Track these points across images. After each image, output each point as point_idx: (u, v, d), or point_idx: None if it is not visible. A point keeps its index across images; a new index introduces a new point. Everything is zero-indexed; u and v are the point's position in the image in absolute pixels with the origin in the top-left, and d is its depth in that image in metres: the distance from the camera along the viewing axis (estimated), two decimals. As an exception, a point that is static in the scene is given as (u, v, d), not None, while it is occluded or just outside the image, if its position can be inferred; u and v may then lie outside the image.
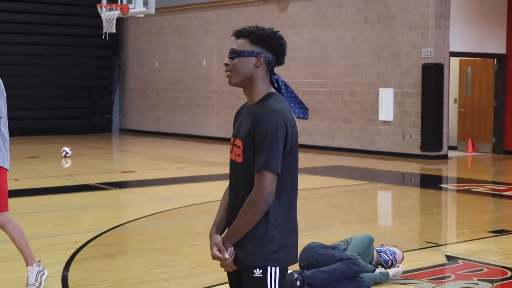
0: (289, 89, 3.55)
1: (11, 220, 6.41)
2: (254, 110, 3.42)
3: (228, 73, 3.48)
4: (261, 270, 3.38)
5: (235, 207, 3.44)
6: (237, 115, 3.63)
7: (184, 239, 8.73)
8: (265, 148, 3.30)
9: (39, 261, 6.42)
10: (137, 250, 8.29)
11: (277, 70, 3.52)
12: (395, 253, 6.81)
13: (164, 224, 9.77)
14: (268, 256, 3.36)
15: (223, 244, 3.42)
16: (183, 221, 10.06)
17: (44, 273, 6.38)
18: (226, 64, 3.47)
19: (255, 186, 3.32)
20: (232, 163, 3.50)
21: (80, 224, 9.57)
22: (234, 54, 3.46)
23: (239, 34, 3.49)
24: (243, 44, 3.45)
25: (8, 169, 6.38)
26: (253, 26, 3.51)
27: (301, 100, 3.56)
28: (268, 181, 3.30)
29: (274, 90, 3.49)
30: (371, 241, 6.76)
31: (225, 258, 3.42)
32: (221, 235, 3.50)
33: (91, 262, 7.42)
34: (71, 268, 7.14)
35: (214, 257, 3.45)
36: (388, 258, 6.77)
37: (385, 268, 6.72)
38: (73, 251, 7.80)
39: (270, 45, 3.45)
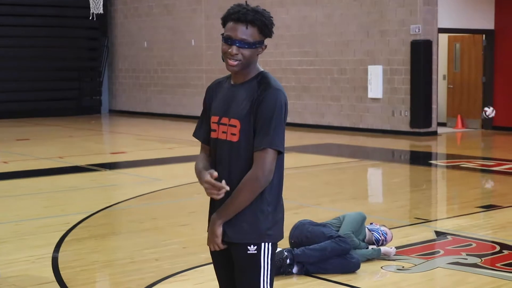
0: None
1: None
2: (250, 89, 3.39)
3: (235, 62, 3.37)
4: (255, 247, 3.40)
5: (229, 184, 3.38)
6: (211, 91, 3.57)
7: (174, 219, 8.74)
8: (272, 126, 3.31)
9: None
10: (128, 230, 8.31)
11: (267, 47, 3.50)
12: (386, 234, 6.85)
13: (155, 205, 9.79)
14: (264, 232, 3.39)
15: (215, 222, 3.41)
16: (174, 201, 10.08)
17: None
18: (234, 54, 3.36)
19: (257, 163, 3.32)
20: (223, 142, 3.44)
21: (70, 206, 9.57)
22: (246, 45, 3.36)
23: (250, 22, 3.35)
24: (253, 34, 3.36)
25: None
26: (255, 11, 3.36)
27: None
28: (271, 159, 3.32)
29: (262, 69, 3.48)
30: (363, 219, 6.80)
31: (220, 185, 3.32)
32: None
33: (82, 244, 7.42)
34: (61, 249, 7.14)
35: (207, 182, 3.34)
36: (380, 238, 6.81)
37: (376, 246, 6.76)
38: (63, 232, 7.81)
39: (270, 32, 3.42)
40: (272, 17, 3.44)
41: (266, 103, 3.32)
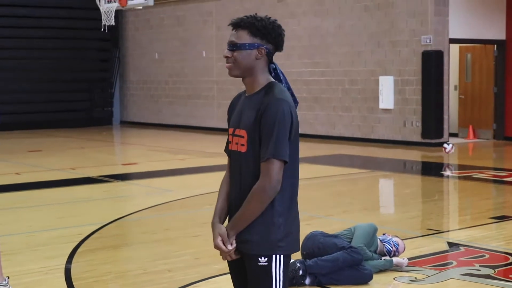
0: (286, 79, 3.56)
1: None
2: (256, 99, 3.42)
3: (229, 65, 3.47)
4: (266, 258, 3.40)
5: (240, 196, 3.43)
6: (232, 105, 3.63)
7: (186, 230, 8.75)
8: (273, 137, 3.31)
9: (8, 277, 6.00)
10: (140, 241, 8.32)
11: (277, 59, 3.52)
12: (398, 244, 6.83)
13: (167, 215, 9.80)
14: (275, 244, 3.38)
15: (228, 233, 3.44)
16: (186, 212, 10.08)
17: None
18: (227, 57, 3.47)
19: (263, 174, 3.33)
20: (234, 153, 3.49)
21: (82, 217, 9.59)
22: (234, 47, 3.45)
23: (237, 25, 3.46)
24: (242, 36, 3.44)
25: None
26: (250, 16, 3.48)
27: (292, 91, 3.55)
28: (276, 169, 3.32)
29: (273, 80, 3.50)
30: (375, 230, 6.78)
31: (228, 250, 3.43)
32: (223, 224, 3.52)
33: (94, 254, 7.44)
34: (74, 260, 7.16)
35: (216, 247, 3.46)
36: (391, 249, 6.79)
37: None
38: (76, 243, 7.83)
39: (271, 36, 3.44)
40: (277, 25, 3.46)
41: (268, 114, 3.34)
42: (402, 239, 7.09)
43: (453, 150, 13.32)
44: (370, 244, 6.66)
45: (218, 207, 3.58)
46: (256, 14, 3.51)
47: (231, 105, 3.64)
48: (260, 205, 3.35)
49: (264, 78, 3.47)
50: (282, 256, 3.42)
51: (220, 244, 3.44)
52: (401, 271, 6.59)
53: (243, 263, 3.49)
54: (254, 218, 3.37)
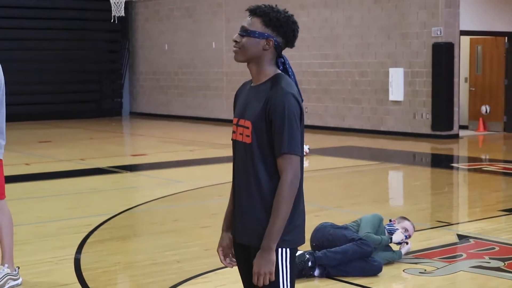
0: (294, 75, 3.53)
1: (4, 209, 5.95)
2: (263, 90, 3.39)
3: (235, 49, 3.46)
4: (272, 252, 3.38)
5: (245, 185, 3.42)
6: (237, 95, 3.61)
7: (196, 221, 8.75)
8: (286, 131, 3.30)
9: (18, 267, 6.04)
10: (149, 232, 8.33)
11: (287, 50, 3.50)
12: (407, 231, 6.71)
13: (176, 207, 9.80)
14: (280, 238, 3.35)
15: (268, 250, 3.31)
16: (195, 203, 10.09)
17: (16, 279, 5.94)
18: (235, 41, 3.45)
19: (285, 170, 3.30)
20: (239, 144, 3.47)
21: (91, 208, 9.61)
22: (245, 32, 3.43)
23: (253, 12, 3.44)
24: (255, 24, 3.42)
25: (2, 158, 5.85)
26: (269, 5, 3.46)
27: (298, 87, 3.52)
28: (296, 162, 3.32)
29: (280, 72, 3.48)
30: (380, 220, 6.74)
31: (225, 263, 3.63)
32: (231, 227, 3.57)
33: (103, 245, 7.45)
34: (83, 251, 7.17)
35: (221, 261, 3.64)
36: (401, 241, 6.70)
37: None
38: (85, 234, 7.84)
39: (282, 30, 3.42)
40: (292, 21, 3.43)
41: (277, 107, 3.31)
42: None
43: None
44: (378, 233, 6.62)
45: (228, 211, 3.62)
46: (276, 5, 3.49)
47: (236, 95, 3.62)
48: (290, 200, 3.32)
49: (270, 69, 3.45)
50: (288, 249, 3.40)
51: (220, 255, 3.60)
52: (410, 263, 6.57)
53: (250, 255, 3.48)
54: (288, 216, 3.32)
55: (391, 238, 6.57)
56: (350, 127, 19.41)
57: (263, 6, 3.45)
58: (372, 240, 6.41)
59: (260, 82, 3.45)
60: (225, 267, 3.71)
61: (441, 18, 17.29)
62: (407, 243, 6.72)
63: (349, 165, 13.56)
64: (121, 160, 14.99)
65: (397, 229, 6.72)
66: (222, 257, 3.62)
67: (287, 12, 3.46)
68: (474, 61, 19.80)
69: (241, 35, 3.44)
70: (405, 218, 6.86)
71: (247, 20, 3.45)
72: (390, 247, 6.66)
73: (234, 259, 3.61)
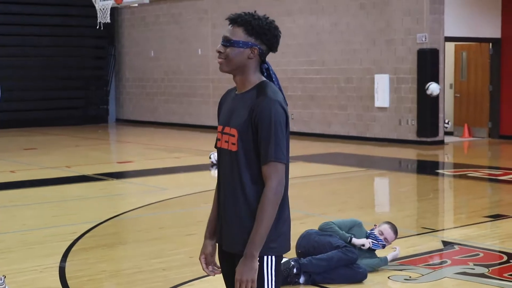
0: (278, 80, 3.54)
1: None
2: (248, 98, 3.40)
3: (220, 60, 3.45)
4: (257, 259, 3.38)
5: (231, 193, 3.42)
6: (222, 102, 3.61)
7: (181, 228, 8.75)
8: (272, 139, 3.31)
9: (4, 276, 5.99)
10: (135, 240, 8.31)
11: (272, 56, 3.50)
12: (384, 240, 6.66)
13: (162, 214, 9.79)
14: (266, 245, 3.35)
15: (251, 258, 3.32)
16: (181, 211, 10.08)
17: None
18: (219, 52, 3.44)
19: (270, 177, 3.31)
20: (224, 151, 3.47)
21: (77, 215, 9.58)
22: (228, 43, 3.42)
23: (233, 21, 3.43)
24: (237, 33, 3.41)
25: None
26: (249, 13, 3.45)
27: (283, 93, 3.53)
28: (281, 170, 3.33)
29: (264, 79, 3.49)
30: (354, 222, 6.72)
31: (208, 271, 3.61)
32: (214, 234, 3.58)
33: (89, 253, 7.43)
34: (68, 259, 7.15)
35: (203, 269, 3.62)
36: (378, 245, 6.67)
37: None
38: (70, 242, 7.82)
39: (266, 37, 3.42)
40: (274, 26, 3.43)
41: (263, 115, 3.32)
42: (398, 238, 7.03)
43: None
44: (357, 237, 6.59)
45: (211, 218, 3.63)
46: (255, 12, 3.49)
47: (220, 102, 3.62)
48: (275, 207, 3.32)
49: (255, 77, 3.46)
50: (273, 256, 3.41)
51: (202, 262, 3.59)
52: (395, 269, 6.59)
53: (235, 262, 3.48)
54: (271, 223, 3.32)
55: (351, 238, 6.53)
56: (335, 133, 19.45)
57: (243, 14, 3.44)
58: (332, 230, 6.44)
59: (245, 90, 3.45)
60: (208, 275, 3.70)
61: (426, 24, 17.37)
62: (374, 249, 6.65)
63: (334, 172, 13.59)
64: (107, 167, 14.95)
65: (375, 234, 6.67)
66: (204, 265, 3.61)
67: (267, 18, 3.46)
68: (459, 67, 19.89)
69: (225, 46, 3.43)
70: (388, 223, 6.83)
71: (228, 30, 3.44)
72: (375, 254, 6.68)
73: (217, 267, 3.61)
